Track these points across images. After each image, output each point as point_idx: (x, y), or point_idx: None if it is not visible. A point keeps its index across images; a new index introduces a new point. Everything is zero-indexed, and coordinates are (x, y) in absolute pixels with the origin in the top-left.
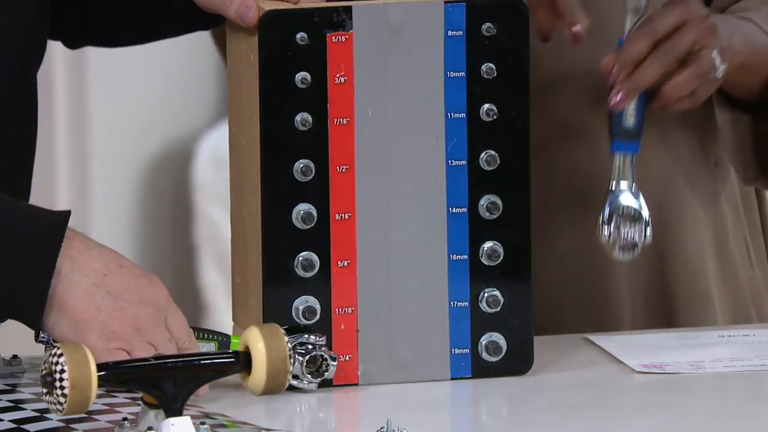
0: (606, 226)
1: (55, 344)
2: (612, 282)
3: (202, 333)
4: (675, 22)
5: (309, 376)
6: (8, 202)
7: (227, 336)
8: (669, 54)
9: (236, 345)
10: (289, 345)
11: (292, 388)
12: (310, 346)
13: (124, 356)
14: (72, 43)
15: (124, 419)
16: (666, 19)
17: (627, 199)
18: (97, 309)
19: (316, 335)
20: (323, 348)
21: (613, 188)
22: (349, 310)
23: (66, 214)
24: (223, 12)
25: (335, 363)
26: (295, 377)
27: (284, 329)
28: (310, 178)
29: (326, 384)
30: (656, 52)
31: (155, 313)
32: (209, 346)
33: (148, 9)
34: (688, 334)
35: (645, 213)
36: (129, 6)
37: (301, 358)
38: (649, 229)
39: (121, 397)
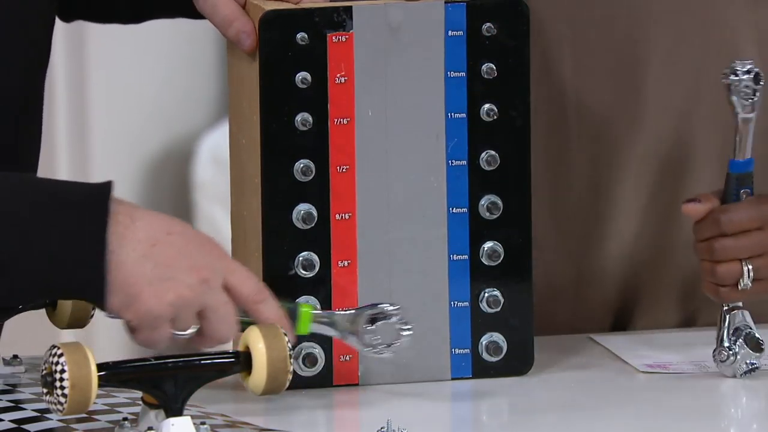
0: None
1: (55, 344)
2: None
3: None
4: None
5: (381, 346)
6: (44, 184)
7: (296, 304)
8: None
9: (307, 314)
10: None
11: (291, 387)
12: (381, 315)
13: (188, 321)
14: (67, 16)
15: (124, 419)
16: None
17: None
18: (148, 282)
19: (390, 304)
20: (396, 317)
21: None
22: None
23: (107, 188)
24: (222, 32)
25: (410, 331)
26: (369, 346)
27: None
28: (311, 178)
29: (328, 383)
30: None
31: (210, 278)
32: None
33: None
34: (692, 334)
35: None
36: None
37: (372, 327)
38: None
39: (121, 397)
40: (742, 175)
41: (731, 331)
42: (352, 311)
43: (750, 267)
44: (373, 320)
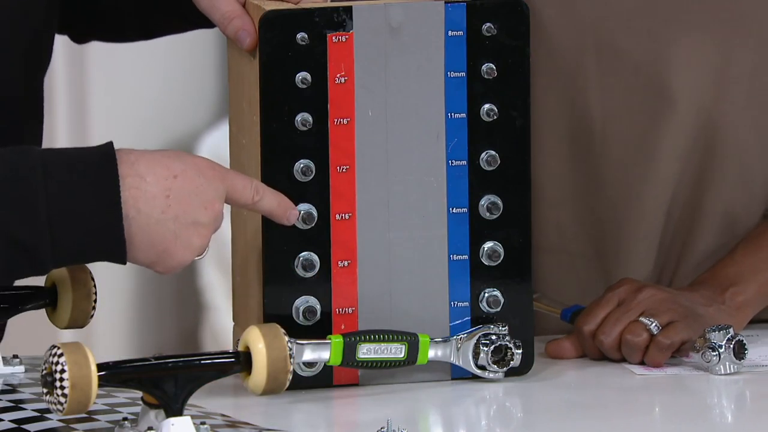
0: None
1: (55, 344)
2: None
3: (388, 335)
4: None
5: (495, 366)
6: (51, 158)
7: (415, 335)
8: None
9: (426, 344)
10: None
11: (292, 387)
12: (494, 337)
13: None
14: (79, 38)
15: (124, 419)
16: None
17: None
18: (174, 237)
19: (498, 325)
20: (506, 337)
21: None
22: (350, 310)
23: (111, 156)
24: (221, 29)
25: (520, 351)
26: (482, 368)
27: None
28: (311, 178)
29: (328, 383)
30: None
31: (221, 207)
32: (400, 347)
33: (153, 6)
34: None
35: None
36: (134, 2)
37: (486, 349)
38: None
39: (121, 397)
40: None
41: (719, 334)
42: (464, 335)
43: (650, 319)
44: (485, 342)
